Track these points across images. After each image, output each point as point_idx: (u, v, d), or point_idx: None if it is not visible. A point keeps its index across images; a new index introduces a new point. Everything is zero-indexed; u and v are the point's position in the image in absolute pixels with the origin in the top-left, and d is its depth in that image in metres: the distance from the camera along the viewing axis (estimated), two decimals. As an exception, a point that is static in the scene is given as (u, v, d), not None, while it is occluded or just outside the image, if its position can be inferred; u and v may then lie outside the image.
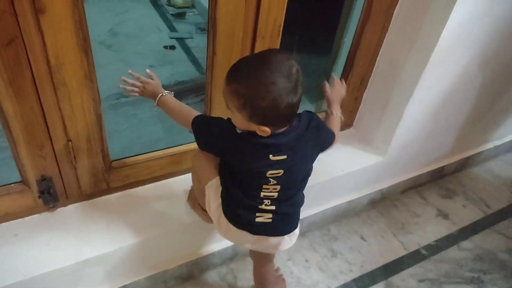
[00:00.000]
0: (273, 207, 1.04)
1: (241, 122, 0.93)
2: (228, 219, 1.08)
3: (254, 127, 0.92)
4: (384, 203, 1.90)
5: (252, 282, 1.46)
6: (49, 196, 1.19)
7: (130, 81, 1.09)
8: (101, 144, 1.18)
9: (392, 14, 1.40)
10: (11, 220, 1.20)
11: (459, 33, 1.33)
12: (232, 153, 1.00)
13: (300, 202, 1.13)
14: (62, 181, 1.20)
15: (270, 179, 1.00)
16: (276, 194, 1.03)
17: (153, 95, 1.10)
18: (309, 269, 1.59)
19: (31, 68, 0.94)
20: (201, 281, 1.48)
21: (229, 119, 0.99)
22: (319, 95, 1.80)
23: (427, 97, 1.51)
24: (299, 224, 1.13)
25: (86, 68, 1.00)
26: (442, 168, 1.99)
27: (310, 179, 1.47)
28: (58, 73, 0.97)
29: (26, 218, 1.22)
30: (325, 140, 1.10)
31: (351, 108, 1.66)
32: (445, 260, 1.71)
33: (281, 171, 1.00)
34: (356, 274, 1.60)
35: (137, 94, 1.10)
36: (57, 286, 1.19)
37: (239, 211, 1.05)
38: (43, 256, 1.14)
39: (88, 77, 1.02)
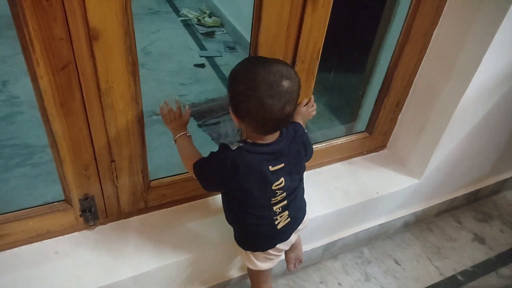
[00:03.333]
0: (286, 212, 1.10)
1: (235, 121, 0.97)
2: (260, 250, 1.13)
3: (243, 125, 0.96)
4: (418, 226, 1.85)
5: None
6: (90, 214, 1.21)
7: (170, 107, 1.11)
8: (142, 164, 1.20)
9: (431, 37, 1.39)
10: (52, 237, 1.22)
11: (499, 58, 1.31)
12: (237, 178, 0.99)
13: (304, 204, 1.19)
14: (104, 200, 1.22)
15: (276, 191, 1.04)
16: (285, 201, 1.08)
17: (177, 130, 1.12)
18: (342, 293, 1.56)
19: (81, 91, 0.97)
20: (234, 302, 1.47)
21: (222, 147, 1.01)
22: (352, 115, 1.79)
23: (466, 121, 1.48)
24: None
25: (133, 91, 1.03)
26: (478, 191, 1.94)
27: (343, 201, 1.48)
28: (107, 96, 1.00)
29: (66, 235, 1.24)
30: (308, 148, 1.12)
31: (385, 130, 1.64)
32: (483, 287, 1.65)
33: (282, 179, 1.03)
34: (391, 299, 1.56)
35: (165, 121, 1.13)
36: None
37: (262, 235, 1.11)
38: (83, 274, 1.16)
39: (134, 99, 1.05)
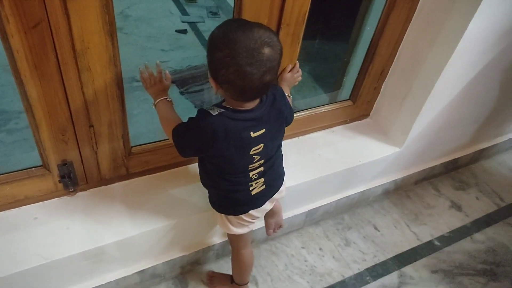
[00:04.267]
0: (262, 179, 1.10)
1: (214, 86, 0.94)
2: (233, 214, 1.15)
3: (221, 91, 0.93)
4: (398, 193, 1.89)
5: (266, 268, 1.48)
6: (69, 180, 1.19)
7: (150, 71, 1.08)
8: (122, 130, 1.17)
9: (417, 4, 1.37)
10: (31, 203, 1.20)
11: (484, 27, 1.30)
12: (216, 146, 0.97)
13: (282, 172, 1.18)
14: (83, 166, 1.19)
15: (253, 156, 1.03)
16: (262, 168, 1.08)
17: (158, 95, 1.09)
18: (323, 258, 1.60)
19: (56, 51, 0.92)
20: (218, 267, 1.49)
21: (201, 113, 0.98)
22: (336, 84, 1.78)
23: (448, 90, 1.49)
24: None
25: (111, 53, 0.99)
26: (456, 160, 1.98)
27: (325, 168, 1.48)
28: (83, 57, 0.96)
29: (46, 202, 1.22)
30: (288, 113, 1.11)
31: (369, 98, 1.64)
32: (458, 251, 1.71)
33: (261, 145, 1.02)
34: (369, 263, 1.61)
35: (146, 85, 1.09)
36: (77, 270, 1.20)
37: (236, 200, 1.11)
38: (63, 240, 1.15)
39: (112, 61, 1.01)
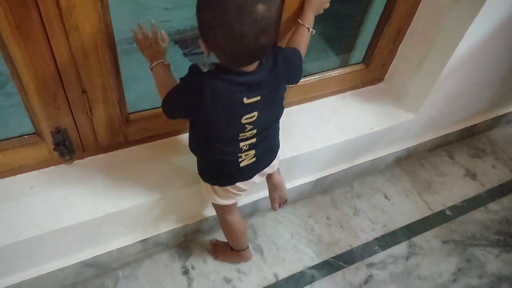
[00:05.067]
0: (252, 151, 1.02)
1: (204, 50, 0.85)
2: (218, 184, 1.09)
3: (213, 54, 0.85)
4: (410, 161, 1.82)
5: (272, 237, 1.44)
6: (65, 148, 1.13)
7: (145, 31, 0.99)
8: (118, 95, 1.10)
9: (441, -47, 1.24)
10: (26, 172, 1.16)
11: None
12: (202, 107, 0.89)
13: (276, 146, 1.10)
14: (78, 133, 1.13)
15: (245, 125, 0.94)
16: (254, 139, 0.99)
17: (154, 58, 1.00)
18: (330, 227, 1.55)
19: (39, 9, 0.84)
20: (221, 235, 1.45)
21: (191, 70, 0.91)
22: (348, 46, 1.67)
23: (470, 52, 1.37)
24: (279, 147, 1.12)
25: (100, 11, 0.90)
26: (473, 126, 1.88)
27: (335, 137, 1.38)
28: (69, 15, 0.87)
29: (42, 170, 1.17)
30: (293, 72, 1.01)
31: (383, 62, 1.53)
32: (471, 221, 1.65)
33: (255, 113, 0.93)
34: (378, 233, 1.56)
35: (140, 47, 1.00)
36: (75, 240, 1.17)
37: (223, 171, 1.05)
38: (61, 209, 1.11)
39: (102, 20, 0.92)
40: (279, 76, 0.94)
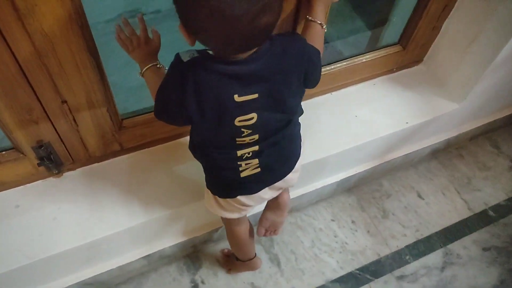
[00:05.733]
0: (256, 160, 0.83)
1: (186, 39, 0.67)
2: (218, 195, 0.91)
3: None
4: (448, 152, 1.60)
5: (290, 245, 1.30)
6: (50, 163, 0.98)
7: (129, 28, 0.79)
8: (106, 102, 0.92)
9: None
10: (10, 188, 1.02)
11: None
12: (186, 102, 0.71)
13: (293, 154, 0.90)
14: (64, 146, 0.97)
15: (241, 129, 0.75)
16: (257, 147, 0.80)
17: (144, 61, 0.81)
18: (355, 232, 1.39)
19: (-11, 11, 0.65)
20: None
21: (173, 60, 0.73)
22: (380, 20, 1.41)
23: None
24: (300, 156, 0.91)
25: (70, 7, 0.70)
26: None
27: (363, 135, 1.18)
28: (30, 17, 0.68)
29: (28, 185, 1.04)
30: (313, 70, 0.79)
31: (424, 41, 1.28)
32: (516, 224, 1.46)
33: (253, 115, 0.73)
34: (410, 239, 1.40)
35: (126, 48, 0.81)
36: (68, 263, 1.05)
37: (222, 179, 0.88)
38: (50, 233, 0.98)
39: (74, 19, 0.73)
40: (289, 67, 0.74)
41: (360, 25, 1.73)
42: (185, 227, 1.18)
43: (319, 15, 0.84)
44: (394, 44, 1.29)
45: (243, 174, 0.85)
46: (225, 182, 0.88)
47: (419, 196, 1.49)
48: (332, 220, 1.41)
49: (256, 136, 0.79)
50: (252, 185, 0.89)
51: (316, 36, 0.84)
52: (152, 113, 1.02)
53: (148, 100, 0.86)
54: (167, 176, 1.09)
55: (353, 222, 1.41)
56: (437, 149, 1.55)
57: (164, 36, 0.83)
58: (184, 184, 1.09)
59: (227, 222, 1.06)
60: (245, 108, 0.73)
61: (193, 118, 0.73)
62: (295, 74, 0.76)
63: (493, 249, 1.40)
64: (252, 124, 0.76)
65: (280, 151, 0.86)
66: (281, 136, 0.83)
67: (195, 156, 0.90)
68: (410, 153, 1.44)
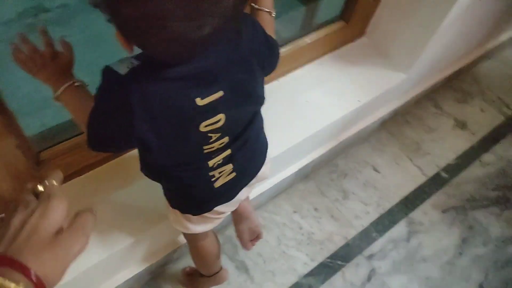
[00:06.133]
0: (229, 166, 0.71)
1: (122, 44, 0.52)
2: (191, 213, 0.78)
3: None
4: (395, 120, 1.58)
5: (255, 248, 1.21)
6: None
7: (29, 46, 0.61)
8: (13, 136, 0.73)
9: None
10: None
11: None
12: (135, 124, 0.57)
13: (262, 145, 0.79)
14: (-32, 198, 0.77)
15: (208, 134, 0.63)
16: (229, 151, 0.69)
17: (57, 81, 0.64)
18: (320, 220, 1.33)
19: None
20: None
21: (105, 75, 0.57)
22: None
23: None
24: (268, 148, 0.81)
25: None
26: (459, 70, 1.65)
27: (318, 120, 1.14)
28: None
29: None
30: (267, 53, 0.68)
31: (366, 12, 1.21)
32: (467, 181, 1.49)
33: (220, 116, 0.62)
34: (373, 216, 1.37)
35: (29, 69, 0.64)
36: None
37: (193, 197, 0.75)
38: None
39: None
40: (248, 51, 0.62)
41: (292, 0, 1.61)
42: (139, 255, 1.04)
43: (266, 2, 0.72)
44: (336, 20, 1.19)
45: (217, 184, 0.73)
46: (198, 199, 0.75)
47: (375, 169, 1.46)
48: (295, 212, 1.33)
49: (226, 139, 0.67)
50: (229, 192, 0.77)
51: (266, 25, 0.72)
52: (77, 137, 0.86)
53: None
54: (107, 205, 0.93)
55: (315, 209, 1.35)
56: (384, 120, 1.52)
57: (79, 34, 0.66)
58: (129, 211, 0.94)
59: (193, 238, 0.94)
60: (210, 110, 0.61)
61: (146, 140, 0.59)
62: (255, 58, 0.64)
63: (451, 210, 1.42)
64: (220, 126, 0.63)
65: (251, 147, 0.75)
66: (250, 132, 0.72)
67: (151, 178, 0.75)
68: (362, 129, 1.39)
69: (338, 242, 1.30)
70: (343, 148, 1.44)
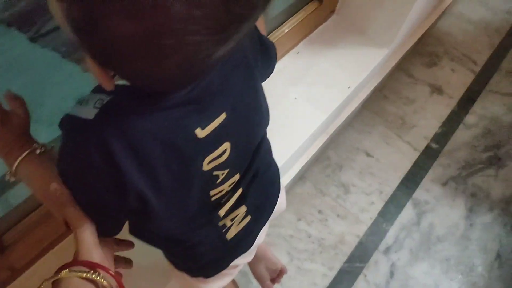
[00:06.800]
0: (243, 208, 0.57)
1: (100, 76, 0.36)
2: (203, 276, 0.63)
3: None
4: (374, 98, 1.50)
5: None
6: None
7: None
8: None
9: None
10: None
11: None
12: (119, 179, 0.41)
13: (274, 172, 0.65)
14: None
15: (214, 173, 0.49)
16: (240, 190, 0.55)
17: (11, 151, 0.46)
18: (326, 222, 1.22)
19: None
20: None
21: (68, 126, 0.41)
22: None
23: None
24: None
25: None
26: (423, 34, 1.59)
27: (316, 117, 1.05)
28: None
29: None
30: (266, 56, 0.54)
31: (339, -13, 1.08)
32: (458, 147, 1.45)
33: (226, 146, 0.48)
34: (379, 205, 1.28)
35: None
36: None
37: (201, 258, 0.59)
38: None
39: None
40: (249, 61, 0.49)
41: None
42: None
43: None
44: (311, 1, 1.06)
45: (230, 235, 0.58)
46: (209, 258, 0.60)
47: (368, 154, 1.37)
48: (299, 220, 1.21)
49: (237, 176, 0.53)
50: (246, 240, 0.63)
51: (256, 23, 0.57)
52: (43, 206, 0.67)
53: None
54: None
55: (319, 211, 1.23)
56: (365, 99, 1.42)
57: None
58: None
59: None
60: (213, 141, 0.46)
61: (145, 197, 0.43)
62: (253, 62, 0.50)
63: (450, 181, 1.37)
64: (226, 159, 0.48)
65: (264, 178, 0.60)
66: (259, 159, 0.57)
67: (146, 242, 0.58)
68: (349, 115, 1.28)
69: (351, 242, 1.20)
70: (332, 139, 1.33)
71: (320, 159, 1.33)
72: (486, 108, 1.56)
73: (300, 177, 1.27)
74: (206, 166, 0.47)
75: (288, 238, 1.17)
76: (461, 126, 1.51)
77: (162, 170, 0.43)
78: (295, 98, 1.03)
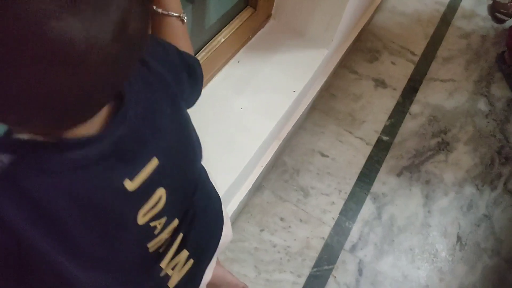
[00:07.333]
0: (183, 254, 0.53)
1: None
2: None
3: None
4: (322, 97, 1.50)
5: None
6: None
7: None
8: None
9: None
10: None
11: None
12: (29, 251, 0.36)
13: (216, 200, 0.62)
14: None
15: (150, 224, 0.45)
16: (180, 236, 0.51)
17: None
18: (290, 229, 1.20)
19: None
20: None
21: None
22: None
23: None
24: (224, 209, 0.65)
25: None
26: (362, 30, 1.62)
27: (265, 125, 1.01)
28: None
29: None
30: (190, 78, 0.52)
31: (272, -8, 1.07)
32: (407, 137, 1.48)
33: (161, 192, 0.45)
34: (340, 204, 1.28)
35: None
36: None
37: None
38: None
39: None
40: (172, 89, 0.46)
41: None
42: None
43: (173, 4, 0.53)
44: (245, 8, 1.04)
45: (172, 283, 0.53)
46: None
47: (323, 155, 1.37)
48: (261, 230, 1.18)
49: (175, 222, 0.49)
50: (190, 285, 0.58)
51: (177, 37, 0.54)
52: None
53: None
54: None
55: (281, 219, 1.21)
56: (313, 100, 1.42)
57: None
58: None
59: None
60: (146, 190, 0.42)
61: (56, 264, 0.37)
62: (175, 89, 0.47)
63: (404, 171, 1.39)
64: (163, 207, 0.45)
65: (204, 214, 0.57)
66: (198, 196, 0.54)
67: None
68: (298, 118, 1.27)
69: (316, 245, 1.18)
70: (285, 144, 1.31)
71: (276, 165, 1.31)
72: (429, 96, 1.61)
73: (258, 187, 1.24)
74: (141, 219, 0.43)
75: (253, 251, 1.13)
76: (407, 116, 1.54)
77: (78, 233, 0.37)
78: (241, 108, 1.00)
